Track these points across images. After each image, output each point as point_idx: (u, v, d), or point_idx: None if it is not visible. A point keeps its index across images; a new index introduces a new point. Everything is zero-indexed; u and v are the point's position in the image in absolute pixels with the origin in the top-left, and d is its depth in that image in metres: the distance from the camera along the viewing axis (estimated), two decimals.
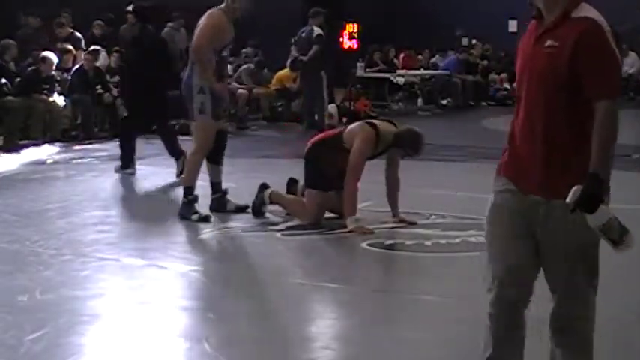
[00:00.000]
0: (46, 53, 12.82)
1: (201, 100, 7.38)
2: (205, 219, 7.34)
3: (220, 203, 7.71)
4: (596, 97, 3.09)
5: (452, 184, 9.22)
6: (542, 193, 3.21)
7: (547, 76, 3.15)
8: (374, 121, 7.81)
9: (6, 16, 14.54)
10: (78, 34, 14.43)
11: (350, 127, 7.42)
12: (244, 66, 16.08)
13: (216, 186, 7.74)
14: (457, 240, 6.76)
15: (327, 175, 7.25)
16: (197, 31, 7.44)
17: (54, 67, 12.84)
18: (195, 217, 7.34)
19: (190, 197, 7.42)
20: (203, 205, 7.52)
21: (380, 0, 22.33)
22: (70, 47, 13.84)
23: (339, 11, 17.78)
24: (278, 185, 7.62)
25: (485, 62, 21.14)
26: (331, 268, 6.23)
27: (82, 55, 13.70)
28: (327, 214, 7.38)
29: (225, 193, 7.75)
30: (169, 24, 16.02)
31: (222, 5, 7.48)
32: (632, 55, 22.14)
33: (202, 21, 7.46)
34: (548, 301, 3.31)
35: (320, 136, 7.69)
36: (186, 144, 12.21)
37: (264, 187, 7.58)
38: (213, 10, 7.48)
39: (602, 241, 3.10)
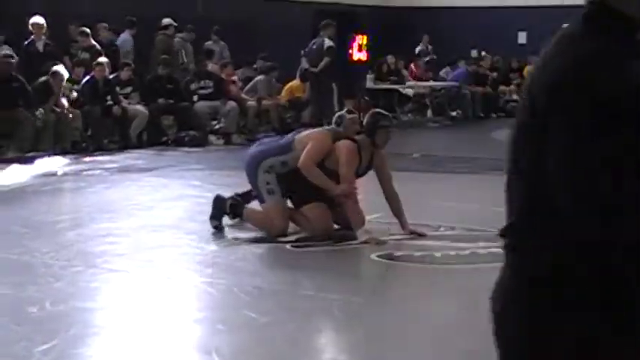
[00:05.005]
0: (57, 68, 12.73)
1: (266, 180, 7.22)
2: (219, 229, 7.34)
3: (236, 209, 7.57)
4: None
5: (461, 196, 9.21)
6: None
7: None
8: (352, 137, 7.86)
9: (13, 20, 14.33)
10: (99, 47, 14.24)
11: None
12: (260, 77, 16.01)
13: (243, 194, 7.67)
14: (466, 252, 6.76)
15: (305, 195, 7.27)
16: (306, 144, 7.19)
17: (64, 82, 12.78)
18: (214, 222, 7.36)
19: (230, 214, 7.44)
20: (205, 212, 7.52)
21: (390, 13, 22.36)
22: (84, 58, 13.78)
23: (349, 23, 17.83)
24: None
25: (494, 74, 21.12)
26: (340, 279, 6.23)
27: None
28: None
29: (246, 202, 7.64)
30: (179, 35, 16.05)
31: (332, 127, 7.50)
32: None
33: (311, 137, 7.32)
34: None
35: None
36: (195, 155, 12.32)
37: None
38: (323, 131, 7.51)
39: None
